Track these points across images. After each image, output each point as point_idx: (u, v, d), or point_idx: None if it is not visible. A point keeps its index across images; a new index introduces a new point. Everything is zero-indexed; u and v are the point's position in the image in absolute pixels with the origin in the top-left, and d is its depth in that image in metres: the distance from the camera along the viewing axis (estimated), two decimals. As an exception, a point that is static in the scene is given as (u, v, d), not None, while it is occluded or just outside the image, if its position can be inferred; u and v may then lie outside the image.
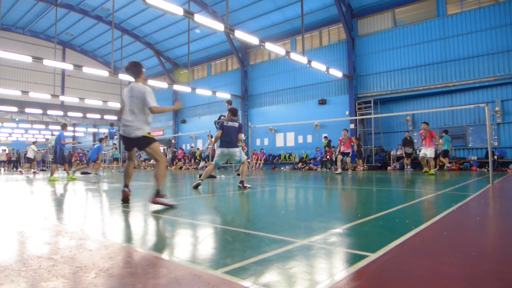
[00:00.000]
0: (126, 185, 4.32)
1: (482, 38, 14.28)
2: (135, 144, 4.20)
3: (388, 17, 16.95)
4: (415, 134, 16.23)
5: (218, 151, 6.33)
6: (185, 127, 27.22)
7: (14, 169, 24.81)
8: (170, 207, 3.92)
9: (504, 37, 13.76)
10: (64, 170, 10.76)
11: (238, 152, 6.33)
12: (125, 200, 4.26)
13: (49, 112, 26.80)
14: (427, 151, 10.44)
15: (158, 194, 4.00)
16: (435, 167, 12.08)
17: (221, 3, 19.45)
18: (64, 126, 11.33)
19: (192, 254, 2.02)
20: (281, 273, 1.63)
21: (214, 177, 10.09)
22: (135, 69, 4.25)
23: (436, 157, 14.25)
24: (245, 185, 6.27)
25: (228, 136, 6.23)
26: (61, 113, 27.68)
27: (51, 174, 9.99)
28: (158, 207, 3.88)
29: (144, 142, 4.14)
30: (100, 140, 14.40)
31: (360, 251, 2.01)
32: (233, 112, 6.49)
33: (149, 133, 4.19)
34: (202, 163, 17.89)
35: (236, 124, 6.33)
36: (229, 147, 6.23)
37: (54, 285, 1.47)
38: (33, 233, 2.59)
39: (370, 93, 17.22)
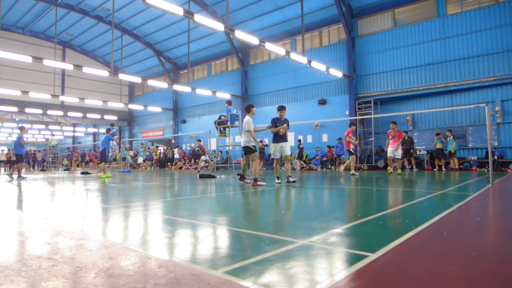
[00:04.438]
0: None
1: (482, 38, 14.27)
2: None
3: (388, 17, 16.95)
4: (415, 134, 16.26)
5: (272, 146, 7.57)
6: (185, 127, 27.22)
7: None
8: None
9: (504, 37, 13.76)
10: (101, 167, 11.54)
11: (288, 146, 7.51)
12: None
13: (49, 112, 26.77)
14: (395, 152, 10.66)
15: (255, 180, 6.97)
16: (402, 167, 12.09)
17: (221, 3, 19.45)
18: (108, 130, 11.83)
19: (192, 254, 2.02)
20: (281, 273, 1.63)
21: (214, 177, 10.09)
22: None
23: (435, 158, 14.34)
24: (289, 180, 7.23)
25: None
26: (61, 113, 27.66)
27: (101, 172, 11.02)
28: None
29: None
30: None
31: (360, 251, 2.01)
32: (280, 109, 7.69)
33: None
34: (202, 163, 17.89)
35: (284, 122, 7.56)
36: (281, 141, 7.47)
37: (54, 285, 1.47)
38: (33, 233, 2.59)
39: (370, 93, 17.22)
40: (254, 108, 7.82)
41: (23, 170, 12.18)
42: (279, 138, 7.50)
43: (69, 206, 4.33)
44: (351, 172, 11.02)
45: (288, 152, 7.45)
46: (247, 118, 7.46)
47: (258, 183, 6.91)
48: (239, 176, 8.17)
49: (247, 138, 7.36)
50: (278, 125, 7.47)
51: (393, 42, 16.65)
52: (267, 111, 21.27)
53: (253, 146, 7.34)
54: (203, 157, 17.27)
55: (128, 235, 2.64)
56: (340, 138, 17.02)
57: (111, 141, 12.84)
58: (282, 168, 8.47)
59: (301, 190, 6.18)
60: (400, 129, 11.27)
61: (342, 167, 11.44)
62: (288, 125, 7.61)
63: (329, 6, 17.72)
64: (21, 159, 11.35)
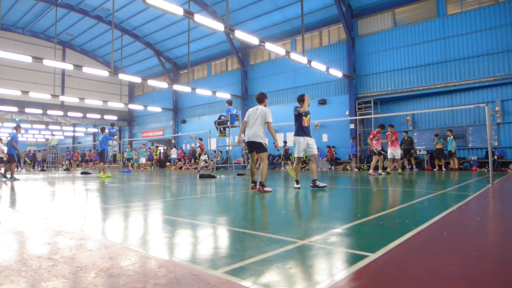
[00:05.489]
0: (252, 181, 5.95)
1: (482, 38, 14.27)
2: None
3: (388, 17, 16.95)
4: (415, 134, 16.26)
5: (296, 140, 6.24)
6: (185, 127, 27.23)
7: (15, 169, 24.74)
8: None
9: (504, 37, 13.76)
10: (100, 168, 11.51)
11: (315, 144, 6.30)
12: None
13: (49, 112, 26.78)
14: (394, 153, 11.05)
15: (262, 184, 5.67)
16: (403, 168, 12.43)
17: (221, 3, 19.45)
18: (103, 130, 11.64)
19: (192, 254, 2.02)
20: (281, 273, 1.63)
21: (214, 177, 10.09)
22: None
23: (435, 158, 14.35)
24: (317, 184, 5.94)
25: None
26: (61, 113, 27.66)
27: (100, 172, 10.97)
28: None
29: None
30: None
31: (360, 251, 2.01)
32: (298, 99, 6.43)
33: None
34: (202, 163, 17.90)
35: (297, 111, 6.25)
36: (307, 136, 6.24)
37: (54, 285, 1.47)
38: (33, 233, 2.59)
39: (370, 93, 17.22)
40: (267, 99, 6.38)
41: (17, 170, 11.96)
42: (304, 131, 6.19)
43: (69, 206, 4.33)
44: (378, 172, 11.04)
45: (316, 151, 6.27)
46: (265, 108, 6.02)
47: (266, 188, 5.70)
48: (240, 176, 7.84)
49: (258, 132, 5.85)
50: (302, 114, 6.17)
51: (393, 42, 16.65)
52: (267, 111, 21.27)
53: (265, 143, 5.95)
54: (202, 157, 17.30)
55: (128, 235, 2.64)
56: (354, 138, 16.94)
57: (110, 141, 12.73)
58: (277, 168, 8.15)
59: (300, 190, 6.18)
60: (395, 131, 11.55)
61: (379, 170, 11.16)
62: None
63: (329, 6, 17.73)
64: (13, 159, 11.08)
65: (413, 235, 2.37)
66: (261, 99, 6.19)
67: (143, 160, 22.76)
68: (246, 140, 6.10)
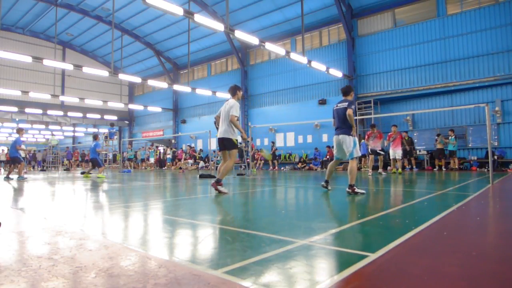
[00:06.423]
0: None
1: (482, 38, 14.28)
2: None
3: (388, 17, 16.96)
4: (415, 134, 16.26)
5: (355, 140, 5.35)
6: (185, 127, 27.23)
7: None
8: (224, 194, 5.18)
9: (504, 37, 13.76)
10: (100, 170, 11.74)
11: (349, 142, 5.25)
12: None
13: (49, 112, 26.76)
14: (396, 153, 11.29)
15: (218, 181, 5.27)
16: (403, 167, 12.70)
17: (221, 3, 19.45)
18: (95, 137, 11.76)
19: (192, 254, 2.02)
20: (281, 273, 1.63)
21: (214, 176, 10.07)
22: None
23: (435, 158, 14.36)
24: (356, 190, 5.08)
25: (337, 121, 5.43)
26: (61, 113, 27.65)
27: (100, 173, 11.36)
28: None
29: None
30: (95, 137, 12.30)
31: (360, 251, 2.01)
32: (343, 91, 5.55)
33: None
34: (201, 163, 17.94)
35: (345, 104, 5.27)
36: (338, 133, 5.40)
37: (54, 285, 1.47)
38: (33, 233, 2.58)
39: (370, 93, 17.22)
40: (241, 92, 5.77)
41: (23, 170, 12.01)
42: (336, 127, 5.56)
43: (69, 206, 4.33)
44: (378, 171, 11.26)
45: (353, 152, 5.42)
46: (233, 101, 5.45)
47: (221, 188, 5.24)
48: (240, 176, 7.80)
49: (228, 128, 5.40)
50: (334, 114, 5.60)
51: (393, 42, 16.65)
52: (267, 111, 21.29)
53: (235, 139, 5.46)
54: (189, 161, 17.82)
55: (128, 235, 2.64)
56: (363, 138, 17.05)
57: (101, 146, 12.82)
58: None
59: (301, 190, 6.18)
60: (400, 132, 11.74)
61: (380, 170, 11.32)
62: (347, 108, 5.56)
63: (329, 6, 17.73)
64: (18, 161, 11.14)
65: (413, 235, 2.37)
66: (232, 91, 5.61)
67: (152, 160, 23.11)
68: (217, 137, 5.60)
